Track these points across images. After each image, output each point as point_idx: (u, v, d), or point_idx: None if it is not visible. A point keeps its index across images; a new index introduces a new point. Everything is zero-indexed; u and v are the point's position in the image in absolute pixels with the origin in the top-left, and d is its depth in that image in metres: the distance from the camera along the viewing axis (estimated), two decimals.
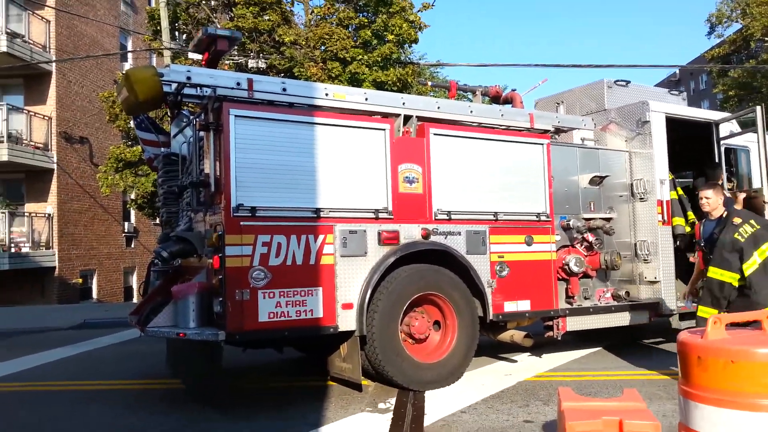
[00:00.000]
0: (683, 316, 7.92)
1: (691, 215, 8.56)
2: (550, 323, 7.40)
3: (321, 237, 5.90)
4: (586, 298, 7.63)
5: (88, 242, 21.80)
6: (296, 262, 5.73)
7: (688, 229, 8.27)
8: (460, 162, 6.83)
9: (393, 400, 5.93)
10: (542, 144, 7.40)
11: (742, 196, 7.90)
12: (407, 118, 6.76)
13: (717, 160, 8.65)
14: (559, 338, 7.42)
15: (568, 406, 2.83)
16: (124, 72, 6.76)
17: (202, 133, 5.97)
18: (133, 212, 23.65)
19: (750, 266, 5.51)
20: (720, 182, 7.76)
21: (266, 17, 17.15)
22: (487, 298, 6.72)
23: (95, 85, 22.28)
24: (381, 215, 6.26)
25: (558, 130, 8.17)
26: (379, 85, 16.02)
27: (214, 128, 5.67)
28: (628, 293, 7.86)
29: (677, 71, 52.33)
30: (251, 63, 16.45)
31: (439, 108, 7.05)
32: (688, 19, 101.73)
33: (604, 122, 8.73)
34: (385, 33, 16.91)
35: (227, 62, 16.41)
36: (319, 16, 17.81)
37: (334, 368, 6.41)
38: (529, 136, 7.41)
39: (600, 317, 7.68)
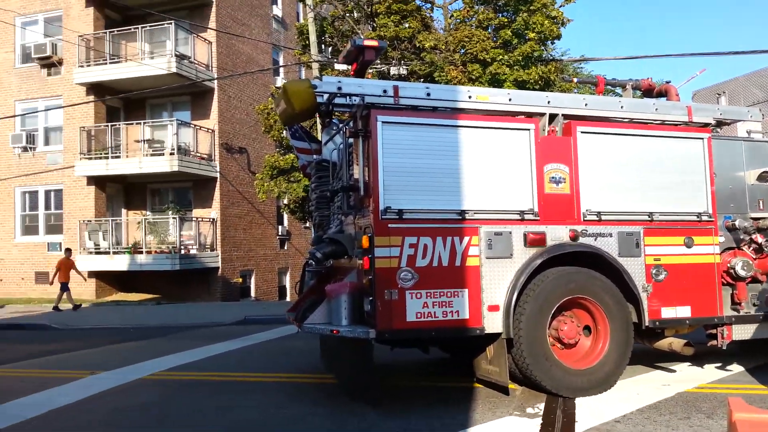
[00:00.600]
0: None
1: None
2: (714, 331, 6.88)
3: (466, 239, 5.95)
4: (755, 305, 6.98)
5: (247, 244, 23.53)
6: (442, 263, 5.83)
7: None
8: (611, 160, 6.58)
9: (542, 406, 5.84)
10: (702, 138, 6.93)
11: None
12: (552, 117, 6.64)
13: None
14: (724, 347, 6.86)
15: (741, 417, 2.63)
16: (280, 86, 7.31)
17: (351, 140, 6.26)
18: (286, 216, 25.17)
19: None
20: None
21: (407, 25, 17.55)
22: (642, 303, 6.40)
23: (251, 99, 24.03)
24: (526, 216, 6.19)
25: (720, 123, 7.63)
26: (521, 85, 15.79)
27: (362, 135, 5.91)
28: None
29: None
30: (393, 70, 16.92)
31: (586, 105, 6.86)
32: None
33: None
34: (525, 31, 16.65)
35: (370, 71, 17.00)
36: (458, 20, 17.92)
37: (480, 370, 6.42)
38: (686, 131, 6.98)
39: None
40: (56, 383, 7.35)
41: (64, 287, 17.28)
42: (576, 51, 55.57)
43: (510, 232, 6.11)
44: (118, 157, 20.70)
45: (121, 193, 22.89)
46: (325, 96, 6.55)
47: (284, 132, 16.52)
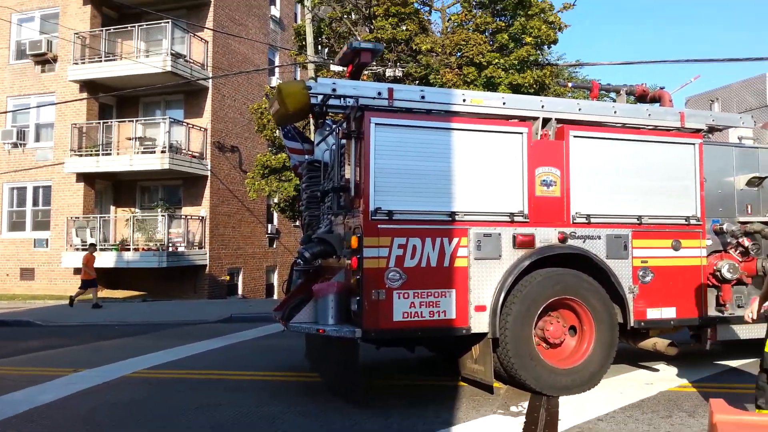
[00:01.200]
0: None
1: None
2: (698, 332, 6.94)
3: (455, 240, 5.95)
4: (739, 307, 7.02)
5: (235, 242, 23.46)
6: (430, 264, 5.83)
7: None
8: (603, 164, 6.60)
9: (525, 404, 5.86)
10: (694, 144, 6.96)
11: None
12: (546, 121, 6.65)
13: None
14: (708, 348, 6.92)
15: (722, 419, 2.63)
16: (275, 86, 7.30)
17: (343, 141, 6.25)
18: (275, 215, 25.12)
19: None
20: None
21: (404, 27, 17.55)
22: (628, 304, 6.44)
23: (246, 98, 23.98)
24: (516, 218, 6.20)
25: (712, 129, 7.66)
26: (515, 88, 15.81)
27: (355, 136, 5.91)
28: None
29: None
30: (388, 72, 16.92)
31: (580, 109, 6.88)
32: None
33: (765, 119, 8.02)
34: (522, 36, 16.68)
35: (366, 73, 17.00)
36: (456, 23, 17.93)
37: (466, 369, 6.43)
38: (679, 136, 7.01)
39: (755, 327, 7.00)
40: (38, 381, 7.30)
41: (92, 283, 16.98)
42: (572, 56, 55.79)
43: (499, 234, 6.12)
44: (109, 154, 20.60)
45: (110, 190, 22.79)
46: (320, 97, 6.55)
47: (277, 132, 16.49)
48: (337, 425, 5.33)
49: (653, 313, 6.55)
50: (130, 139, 20.59)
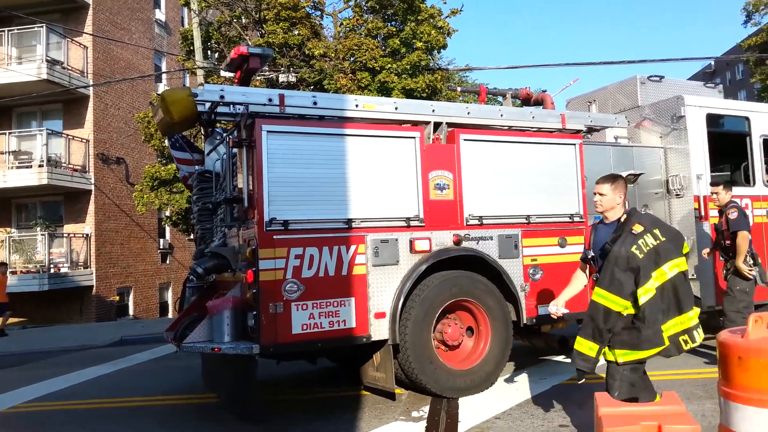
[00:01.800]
0: (720, 313, 7.72)
1: None
2: None
3: (353, 247, 5.92)
4: None
5: (125, 260, 22.27)
6: (328, 273, 5.76)
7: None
8: (492, 166, 6.78)
9: (426, 408, 5.91)
10: (574, 144, 7.31)
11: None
12: (437, 125, 6.76)
13: (750, 152, 8.42)
14: None
15: (606, 412, 2.76)
16: (159, 94, 6.94)
17: (235, 150, 6.05)
18: (168, 229, 24.10)
19: (646, 292, 4.06)
20: (626, 177, 7.49)
21: (296, 32, 17.35)
22: (520, 302, 6.65)
23: (131, 106, 22.83)
24: (412, 223, 6.25)
25: (590, 130, 8.07)
26: (409, 93, 16.04)
27: (246, 144, 5.74)
28: None
29: (713, 62, 51.15)
30: (282, 77, 16.66)
31: (469, 113, 7.04)
32: (722, 9, 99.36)
33: (637, 119, 8.61)
34: (413, 41, 16.94)
35: (258, 78, 16.65)
36: (348, 28, 17.96)
37: (367, 378, 6.40)
38: (560, 137, 7.33)
39: None
40: None
41: (3, 307, 15.45)
42: (461, 60, 57.64)
43: (396, 239, 6.14)
44: None
45: None
46: (207, 105, 6.29)
47: (166, 141, 15.81)
48: None
49: (544, 310, 6.79)
50: (2, 153, 19.04)
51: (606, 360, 4.17)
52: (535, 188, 6.98)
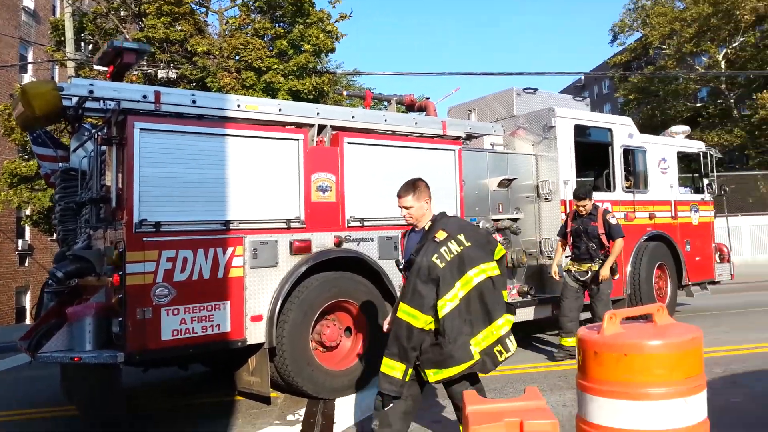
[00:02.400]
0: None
1: None
2: None
3: (230, 249, 5.74)
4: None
5: None
6: (203, 276, 5.54)
7: None
8: (375, 169, 6.83)
9: (302, 411, 5.84)
10: (454, 150, 7.52)
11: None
12: (321, 128, 6.71)
13: (612, 161, 9.08)
14: None
15: (473, 409, 2.84)
16: (21, 86, 6.36)
17: (104, 148, 5.70)
18: (27, 229, 22.37)
19: (447, 302, 3.68)
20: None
21: (179, 27, 16.69)
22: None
23: None
24: (293, 225, 6.16)
25: (469, 136, 8.34)
26: (295, 95, 15.90)
27: (117, 142, 5.42)
28: (533, 288, 8.14)
29: (582, 77, 55.01)
30: (161, 73, 15.96)
31: (353, 117, 7.06)
32: (593, 28, 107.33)
33: (512, 128, 9.01)
34: (301, 43, 16.81)
35: (136, 72, 15.84)
36: (234, 27, 17.51)
37: (242, 383, 6.23)
38: (441, 143, 7.52)
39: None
40: None
41: None
42: (349, 64, 58.05)
43: (276, 241, 6.03)
44: None
45: None
46: (74, 99, 5.84)
47: (28, 136, 14.64)
48: None
49: None
50: None
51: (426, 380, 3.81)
52: None
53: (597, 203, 7.61)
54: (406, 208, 4.01)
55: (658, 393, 2.82)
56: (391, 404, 3.76)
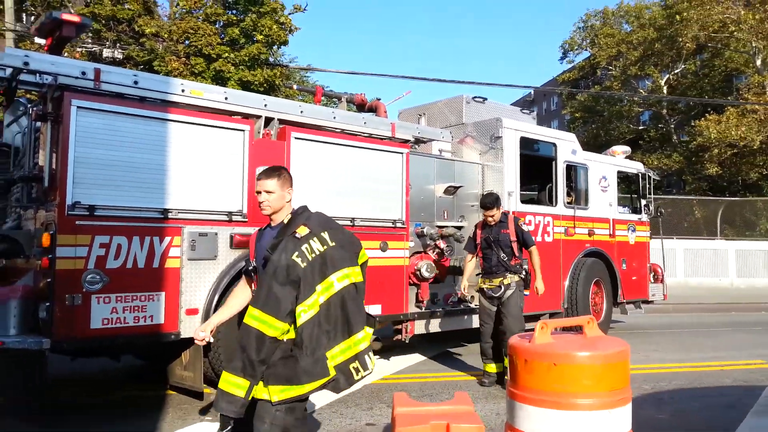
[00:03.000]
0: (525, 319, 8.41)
1: None
2: (400, 327, 7.54)
3: (167, 239, 5.60)
4: (434, 303, 7.87)
5: None
6: (138, 265, 5.39)
7: None
8: (321, 167, 6.78)
9: None
10: (402, 153, 7.54)
11: None
12: (269, 120, 6.62)
13: (555, 176, 9.30)
14: (407, 341, 7.60)
15: (401, 411, 2.86)
16: None
17: (39, 124, 5.47)
18: None
19: (307, 309, 3.19)
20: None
21: (126, 6, 16.19)
22: None
23: None
24: (235, 218, 6.06)
25: (418, 141, 8.38)
26: (245, 85, 15.69)
27: (52, 119, 5.22)
28: (473, 297, 8.21)
29: (532, 92, 56.28)
30: (106, 53, 15.43)
31: (302, 112, 6.98)
32: (545, 44, 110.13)
33: (461, 135, 9.09)
34: (254, 32, 16.60)
35: (79, 50, 15.26)
36: (184, 10, 17.13)
37: (175, 377, 6.08)
38: (390, 145, 7.52)
39: (447, 320, 7.97)
40: None
41: None
42: (303, 60, 57.54)
43: (216, 234, 5.92)
44: None
45: None
46: (8, 70, 5.56)
47: None
48: None
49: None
50: None
51: (256, 398, 3.19)
52: (362, 192, 7.10)
53: (506, 211, 7.21)
54: (267, 192, 3.43)
55: (584, 404, 2.89)
56: (230, 427, 3.20)
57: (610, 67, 35.02)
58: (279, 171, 3.52)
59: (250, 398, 3.16)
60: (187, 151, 5.81)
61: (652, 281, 11.25)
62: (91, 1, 15.90)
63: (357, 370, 3.27)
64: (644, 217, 11.16)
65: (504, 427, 3.22)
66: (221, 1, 17.05)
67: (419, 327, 7.64)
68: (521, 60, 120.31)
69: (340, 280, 3.28)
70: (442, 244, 7.87)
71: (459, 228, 8.37)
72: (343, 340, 3.25)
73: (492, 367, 6.80)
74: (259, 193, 3.46)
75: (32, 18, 18.05)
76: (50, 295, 4.94)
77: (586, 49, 37.59)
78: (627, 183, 11.87)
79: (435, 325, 7.84)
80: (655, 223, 12.05)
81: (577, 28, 37.83)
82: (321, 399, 5.98)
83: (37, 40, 14.50)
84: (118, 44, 16.28)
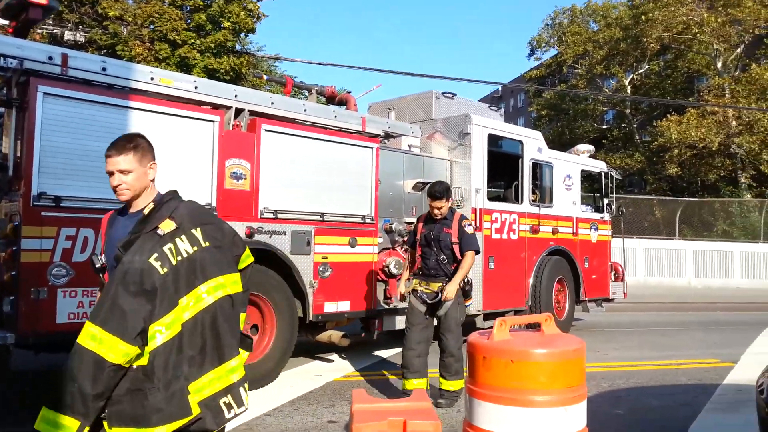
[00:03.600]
0: (486, 317, 8.58)
1: None
2: (367, 323, 7.60)
3: None
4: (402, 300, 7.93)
5: None
6: None
7: None
8: (291, 160, 6.76)
9: None
10: (372, 148, 7.56)
11: None
12: (239, 111, 6.57)
13: (521, 173, 9.45)
14: (375, 338, 7.64)
15: (359, 408, 2.93)
16: None
17: (2, 110, 5.36)
18: None
19: (165, 329, 2.52)
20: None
21: None
22: (308, 299, 6.74)
23: None
24: None
25: (388, 135, 8.41)
26: (211, 73, 15.50)
27: (17, 105, 5.12)
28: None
29: (500, 88, 56.67)
30: (68, 35, 15.08)
31: (273, 104, 6.94)
32: (514, 39, 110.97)
33: (430, 131, 9.16)
34: (221, 19, 16.38)
35: (40, 31, 14.87)
36: None
37: None
38: (360, 139, 7.53)
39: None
40: None
41: None
42: (272, 49, 56.99)
43: None
44: None
45: None
46: None
47: None
48: None
49: (330, 307, 6.96)
50: None
51: None
52: (332, 187, 7.12)
53: (454, 208, 6.43)
54: (122, 172, 2.73)
55: (540, 401, 2.95)
56: None
57: (577, 66, 35.55)
58: (134, 141, 2.79)
59: None
60: (155, 141, 5.70)
61: (613, 280, 11.48)
62: None
63: (229, 407, 2.62)
64: (606, 216, 11.38)
65: (463, 424, 3.28)
66: None
67: (387, 323, 7.69)
68: (491, 55, 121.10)
69: (211, 291, 2.62)
70: None
71: None
72: (212, 369, 2.59)
73: (413, 383, 5.70)
74: (111, 174, 2.75)
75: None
76: (15, 288, 4.87)
77: (553, 47, 38.07)
78: (590, 182, 12.10)
79: (402, 322, 7.91)
80: (616, 222, 12.27)
81: (545, 25, 38.30)
82: (283, 396, 6.02)
83: (2, 21, 14.15)
84: (80, 26, 15.92)
